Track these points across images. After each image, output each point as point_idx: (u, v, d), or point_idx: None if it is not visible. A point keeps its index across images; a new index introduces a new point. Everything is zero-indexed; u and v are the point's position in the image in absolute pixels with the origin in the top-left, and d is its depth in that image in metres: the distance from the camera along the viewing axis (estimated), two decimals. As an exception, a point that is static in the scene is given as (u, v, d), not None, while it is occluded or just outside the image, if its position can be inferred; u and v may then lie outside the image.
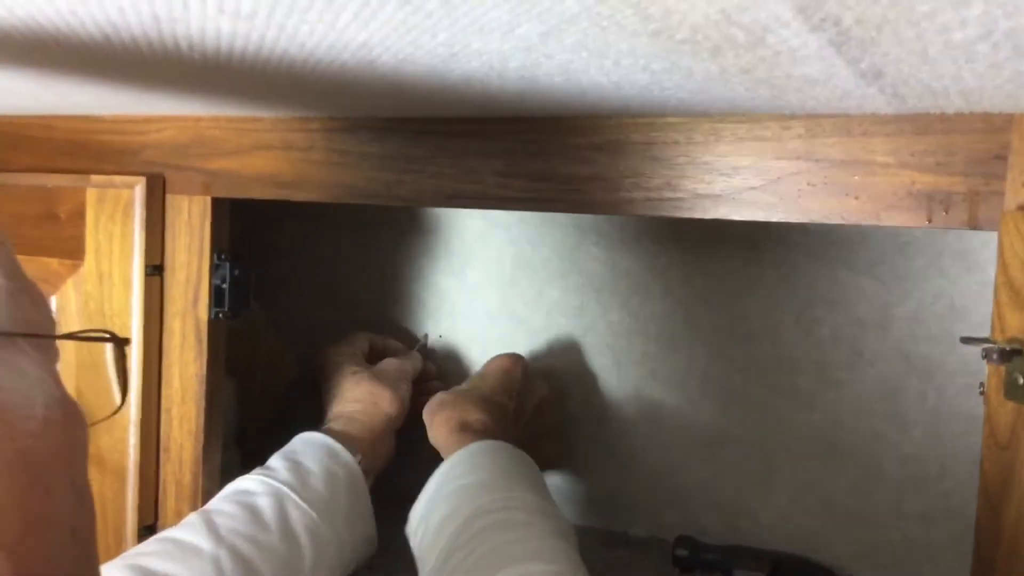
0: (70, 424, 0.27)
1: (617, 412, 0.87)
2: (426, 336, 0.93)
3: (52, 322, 0.28)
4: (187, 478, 0.73)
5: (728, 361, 0.83)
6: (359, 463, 0.73)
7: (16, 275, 0.27)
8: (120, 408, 0.44)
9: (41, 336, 0.27)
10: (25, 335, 0.26)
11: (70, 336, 0.30)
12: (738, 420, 0.82)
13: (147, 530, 0.73)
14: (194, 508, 0.70)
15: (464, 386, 0.81)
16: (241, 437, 0.91)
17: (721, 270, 0.82)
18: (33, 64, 0.45)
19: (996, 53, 0.31)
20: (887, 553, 0.78)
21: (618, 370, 0.87)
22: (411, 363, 0.86)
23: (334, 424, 0.78)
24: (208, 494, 0.70)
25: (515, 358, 0.83)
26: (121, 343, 0.40)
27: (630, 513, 0.87)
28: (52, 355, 0.28)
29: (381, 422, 0.79)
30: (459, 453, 0.67)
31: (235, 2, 0.30)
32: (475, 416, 0.73)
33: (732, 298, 0.82)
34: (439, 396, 0.77)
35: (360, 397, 0.80)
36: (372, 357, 0.87)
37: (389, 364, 0.85)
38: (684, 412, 0.84)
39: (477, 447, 0.68)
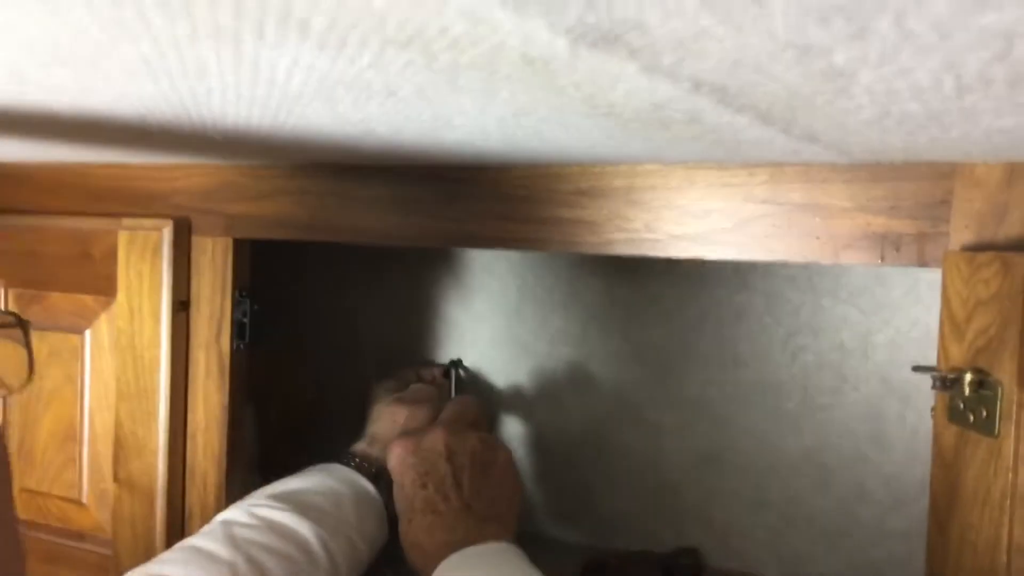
0: None
1: (617, 435, 0.92)
2: (461, 370, 0.98)
3: None
4: (211, 501, 0.78)
5: (720, 386, 0.87)
6: (377, 477, 0.78)
7: None
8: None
9: None
10: None
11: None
12: (730, 442, 0.87)
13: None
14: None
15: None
16: (262, 463, 0.97)
17: (712, 299, 0.87)
18: (80, 138, 0.51)
19: (901, 127, 0.36)
20: (871, 569, 0.81)
21: (618, 395, 0.91)
22: (437, 389, 0.91)
23: (358, 445, 0.83)
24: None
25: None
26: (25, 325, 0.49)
27: (628, 531, 0.92)
28: None
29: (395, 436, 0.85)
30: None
31: (249, 93, 0.36)
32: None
33: (722, 326, 0.87)
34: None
35: (380, 417, 0.86)
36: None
37: (415, 387, 0.90)
38: (680, 434, 0.89)
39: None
